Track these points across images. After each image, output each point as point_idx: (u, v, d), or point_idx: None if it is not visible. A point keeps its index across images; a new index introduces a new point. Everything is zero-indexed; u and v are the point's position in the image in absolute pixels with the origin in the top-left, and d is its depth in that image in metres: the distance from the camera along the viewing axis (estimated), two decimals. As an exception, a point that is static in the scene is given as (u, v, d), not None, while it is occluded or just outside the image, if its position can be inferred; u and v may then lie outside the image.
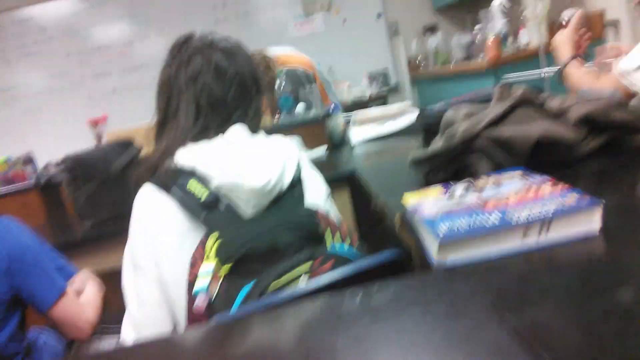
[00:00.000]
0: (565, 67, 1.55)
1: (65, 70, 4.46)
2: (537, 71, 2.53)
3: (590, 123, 1.02)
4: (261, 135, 1.00)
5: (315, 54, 3.61)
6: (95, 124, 2.31)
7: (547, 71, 2.50)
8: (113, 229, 1.61)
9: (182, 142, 0.95)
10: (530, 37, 3.09)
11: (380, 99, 4.29)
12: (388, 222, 1.01)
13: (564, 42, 1.61)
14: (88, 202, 1.66)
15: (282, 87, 2.30)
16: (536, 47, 2.81)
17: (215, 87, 0.98)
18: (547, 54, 2.65)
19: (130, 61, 4.45)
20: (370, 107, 3.58)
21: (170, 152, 0.95)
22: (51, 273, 1.29)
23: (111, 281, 1.33)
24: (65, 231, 1.81)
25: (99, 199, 1.67)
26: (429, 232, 0.70)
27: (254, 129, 1.01)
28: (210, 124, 0.97)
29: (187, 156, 0.92)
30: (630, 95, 1.31)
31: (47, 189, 2.03)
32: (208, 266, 0.81)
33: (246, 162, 0.89)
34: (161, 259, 0.88)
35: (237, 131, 0.96)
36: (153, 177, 0.93)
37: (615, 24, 2.84)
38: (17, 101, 4.45)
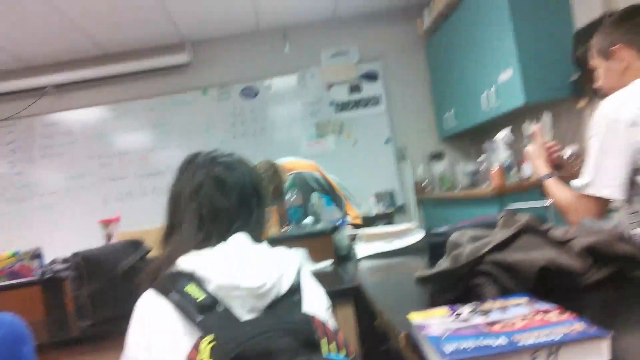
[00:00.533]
0: (545, 184, 1.65)
1: (85, 172, 4.65)
2: (540, 202, 2.59)
3: (594, 254, 1.04)
4: (263, 245, 1.04)
5: (326, 172, 3.75)
6: (107, 224, 2.35)
7: (550, 202, 2.57)
8: (112, 329, 1.58)
9: (184, 250, 0.99)
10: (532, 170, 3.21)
11: (387, 218, 4.36)
12: (392, 341, 0.99)
13: (535, 156, 1.71)
14: (90, 300, 1.64)
15: (291, 195, 2.37)
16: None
17: (217, 198, 1.04)
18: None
19: (147, 167, 4.64)
20: (377, 225, 3.64)
21: (173, 258, 0.98)
22: None
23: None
24: (62, 328, 1.77)
25: (102, 298, 1.65)
26: (435, 351, 0.70)
27: (257, 238, 1.04)
28: (212, 233, 1.02)
29: (188, 261, 0.95)
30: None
31: (50, 284, 2.01)
32: None
33: (244, 265, 0.93)
34: None
35: (239, 238, 1.00)
36: (154, 283, 0.96)
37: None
38: (34, 197, 4.61)
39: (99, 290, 1.66)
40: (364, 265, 2.02)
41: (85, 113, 4.71)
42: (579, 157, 1.78)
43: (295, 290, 0.95)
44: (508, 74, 3.29)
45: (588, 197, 1.44)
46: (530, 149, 1.75)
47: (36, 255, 2.13)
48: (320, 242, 2.19)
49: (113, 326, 1.61)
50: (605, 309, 0.93)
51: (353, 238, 2.38)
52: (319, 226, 2.31)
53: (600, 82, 1.60)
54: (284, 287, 0.93)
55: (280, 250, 1.03)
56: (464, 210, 3.63)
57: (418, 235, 2.21)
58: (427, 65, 4.83)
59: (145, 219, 3.81)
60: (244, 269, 0.91)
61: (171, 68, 4.69)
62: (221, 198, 1.04)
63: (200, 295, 0.89)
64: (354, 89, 4.84)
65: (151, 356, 0.88)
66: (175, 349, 0.86)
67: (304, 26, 4.80)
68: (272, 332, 0.84)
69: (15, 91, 4.58)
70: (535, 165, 1.71)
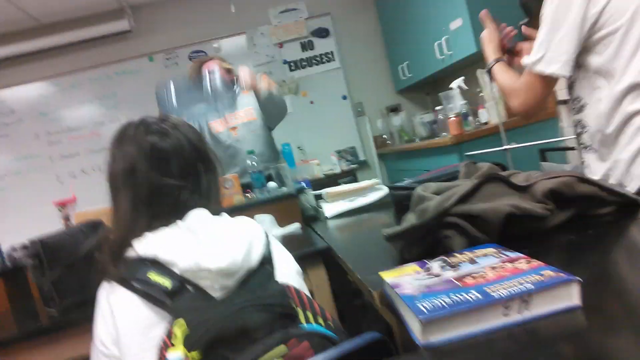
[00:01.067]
0: (492, 68, 1.62)
1: (34, 152, 4.43)
2: (499, 148, 2.65)
3: (557, 197, 1.06)
4: (224, 217, 0.99)
5: (285, 133, 3.71)
6: (62, 205, 2.26)
7: (508, 147, 2.62)
8: (79, 315, 1.54)
9: (133, 233, 0.94)
10: (489, 115, 3.27)
11: (350, 174, 4.38)
12: (366, 299, 1.00)
13: (486, 42, 1.68)
14: (54, 287, 1.59)
15: (251, 161, 2.35)
16: (496, 124, 2.96)
17: (153, 174, 0.96)
18: (507, 131, 2.80)
19: (99, 142, 4.47)
20: (340, 183, 3.65)
21: (124, 243, 0.94)
22: None
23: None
24: (30, 318, 1.72)
25: (66, 284, 1.60)
26: (411, 311, 0.70)
27: (215, 208, 0.99)
28: (155, 212, 0.96)
29: (147, 245, 0.90)
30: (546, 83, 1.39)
31: (12, 273, 1.94)
32: (176, 355, 0.78)
33: (209, 244, 0.88)
34: (126, 357, 0.85)
35: (198, 215, 0.95)
36: (112, 273, 0.92)
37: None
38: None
39: (61, 276, 1.60)
40: (332, 224, 2.03)
41: (27, 89, 4.45)
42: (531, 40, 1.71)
43: (265, 261, 0.93)
44: (458, 23, 3.28)
45: (536, 75, 1.40)
46: (483, 34, 1.71)
47: (-9, 244, 2.03)
48: (286, 206, 2.18)
49: (80, 312, 1.57)
50: (570, 252, 0.96)
51: (318, 197, 2.38)
52: (284, 189, 2.29)
53: None
54: (254, 260, 0.91)
55: (244, 220, 0.99)
56: (425, 160, 3.68)
57: (382, 191, 2.23)
58: (379, 19, 4.76)
59: (101, 196, 3.69)
60: (209, 248, 0.87)
61: (112, 36, 4.45)
62: (158, 173, 0.96)
63: (166, 282, 0.85)
64: (306, 46, 4.74)
65: (122, 350, 0.86)
66: (146, 339, 0.84)
67: (248, -18, 4.62)
68: (245, 310, 0.82)
69: (-55, 70, 4.27)
70: (485, 51, 1.67)
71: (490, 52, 1.65)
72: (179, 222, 0.94)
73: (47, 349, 1.51)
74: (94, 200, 2.49)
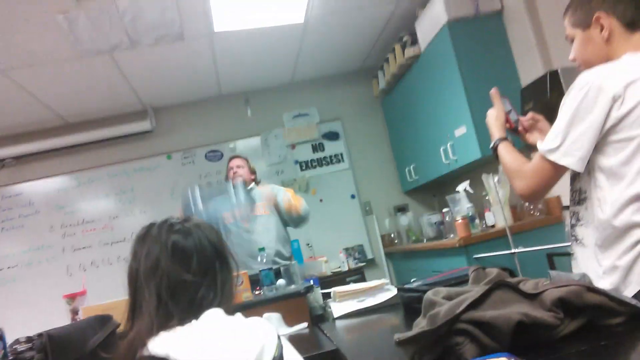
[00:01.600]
0: (497, 150, 1.57)
1: (47, 243, 4.50)
2: (506, 252, 2.67)
3: (566, 306, 1.08)
4: (238, 317, 1.01)
5: (294, 230, 3.76)
6: (72, 298, 2.26)
7: (516, 251, 2.65)
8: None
9: (149, 331, 0.96)
10: (495, 219, 3.32)
11: (358, 273, 4.36)
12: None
13: (492, 120, 1.64)
14: (58, 384, 1.56)
15: (261, 258, 2.38)
16: (502, 228, 3.00)
17: (174, 270, 1.00)
18: (513, 234, 2.83)
19: (112, 235, 4.54)
20: (349, 281, 3.63)
21: (139, 341, 0.95)
22: None
23: None
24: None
25: (70, 381, 1.57)
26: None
27: (228, 307, 1.02)
28: (173, 310, 0.98)
29: (159, 344, 0.92)
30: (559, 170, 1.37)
31: (12, 369, 1.90)
32: None
33: (221, 345, 0.90)
34: None
35: (213, 315, 0.97)
36: None
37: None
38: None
39: (66, 372, 1.58)
40: (340, 324, 2.01)
41: (47, 183, 4.60)
42: (537, 122, 1.66)
43: None
44: (462, 130, 3.44)
45: (548, 162, 1.37)
46: (490, 112, 1.68)
47: (-4, 337, 2.01)
48: (294, 304, 2.17)
49: (83, 411, 1.53)
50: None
51: (326, 296, 2.38)
52: (292, 287, 2.29)
53: (575, 54, 1.52)
54: None
55: (257, 322, 1.01)
56: (433, 261, 3.68)
57: (391, 292, 2.23)
58: (385, 123, 5.00)
59: (111, 289, 3.67)
60: (221, 349, 0.89)
61: (134, 135, 4.68)
62: (181, 270, 1.00)
63: None
64: (317, 147, 4.94)
65: None
66: None
67: (265, 90, 4.92)
68: None
69: (-29, 165, 4.45)
70: (491, 130, 1.64)
71: (495, 130, 1.63)
72: (193, 321, 0.96)
73: None
74: (103, 293, 2.51)
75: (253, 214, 3.20)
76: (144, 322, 0.98)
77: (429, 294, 1.24)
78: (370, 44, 4.46)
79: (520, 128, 1.67)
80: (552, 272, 1.25)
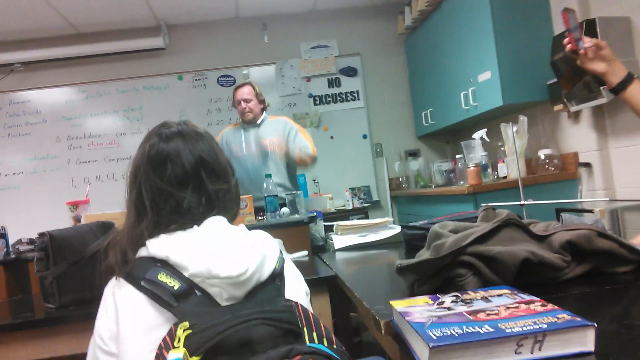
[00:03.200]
0: (626, 88, 1.46)
1: (53, 154, 4.51)
2: (515, 203, 2.62)
3: (574, 249, 1.05)
4: (241, 227, 0.98)
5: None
6: (75, 205, 2.27)
7: (525, 203, 2.60)
8: (78, 312, 1.52)
9: (136, 235, 0.94)
10: (508, 170, 3.26)
11: (362, 212, 4.37)
12: (365, 333, 0.98)
13: (613, 57, 1.47)
14: (56, 282, 1.58)
15: (267, 184, 2.36)
16: (515, 179, 2.95)
17: (153, 177, 0.96)
18: (524, 187, 2.78)
19: (118, 152, 4.53)
20: (352, 219, 3.64)
21: (137, 241, 0.93)
22: None
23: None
24: (26, 311, 1.70)
25: (68, 281, 1.59)
26: (420, 338, 0.68)
27: (228, 216, 0.99)
28: (161, 216, 0.95)
29: (160, 246, 0.90)
30: None
31: (14, 265, 1.94)
32: (176, 354, 0.77)
33: (222, 252, 0.88)
34: (125, 357, 0.84)
35: (215, 222, 0.95)
36: (122, 269, 0.91)
37: (588, 165, 3.02)
38: (-1, 177, 4.43)
39: (65, 272, 1.60)
40: (340, 256, 2.01)
41: (55, 93, 4.55)
42: (600, 50, 1.48)
43: (276, 275, 0.92)
44: (486, 76, 3.32)
45: None
46: (607, 48, 1.49)
47: (0, 234, 2.05)
48: (296, 232, 2.17)
49: (79, 309, 1.56)
50: (584, 304, 0.94)
51: (329, 229, 2.37)
52: (296, 216, 2.28)
53: None
54: (266, 273, 0.90)
55: (260, 233, 0.99)
56: (439, 207, 3.66)
57: (394, 230, 2.22)
58: (406, 64, 4.84)
59: (115, 204, 3.72)
60: (221, 255, 0.87)
61: (146, 51, 4.57)
62: (157, 177, 0.96)
63: (175, 284, 0.85)
64: (333, 82, 4.82)
65: (121, 348, 0.85)
66: (148, 339, 0.83)
67: (284, 17, 4.74)
68: (252, 322, 0.81)
69: (-19, 67, 4.40)
70: (614, 66, 1.48)
71: (618, 68, 1.47)
72: (195, 227, 0.93)
73: (42, 343, 1.49)
74: (107, 207, 2.51)
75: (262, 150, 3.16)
76: (130, 224, 0.97)
77: (436, 227, 1.21)
78: (399, -23, 4.24)
79: (581, 50, 1.50)
80: (565, 215, 1.21)
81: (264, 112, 3.28)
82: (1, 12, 3.89)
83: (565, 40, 1.48)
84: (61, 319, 1.54)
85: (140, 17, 4.36)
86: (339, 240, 2.20)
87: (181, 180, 0.97)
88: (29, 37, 4.41)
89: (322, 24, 4.80)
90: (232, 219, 1.03)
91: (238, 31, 4.73)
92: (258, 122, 3.22)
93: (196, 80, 4.66)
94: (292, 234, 2.16)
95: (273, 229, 2.14)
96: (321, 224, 2.40)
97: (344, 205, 4.46)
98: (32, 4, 3.81)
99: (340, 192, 4.52)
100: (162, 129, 1.03)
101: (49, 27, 4.27)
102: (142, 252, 0.92)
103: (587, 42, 1.49)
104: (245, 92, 3.16)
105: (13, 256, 2.07)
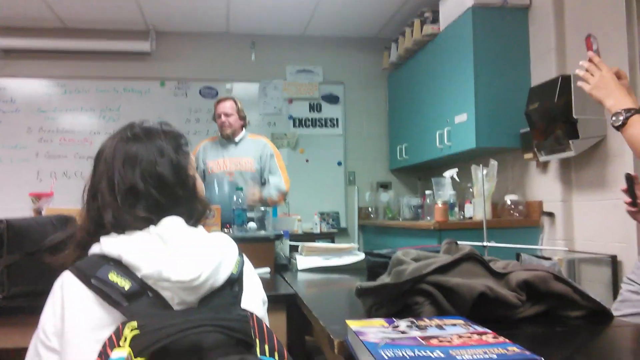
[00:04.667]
0: (627, 123, 1.37)
1: (21, 144, 4.39)
2: (478, 243, 2.67)
3: (530, 289, 1.07)
4: (200, 230, 0.96)
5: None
6: (38, 197, 2.21)
7: (487, 245, 2.65)
8: (26, 305, 1.47)
9: (98, 232, 0.91)
10: (475, 211, 3.33)
11: (329, 237, 4.37)
12: (321, 357, 0.98)
13: (613, 85, 1.40)
14: (7, 271, 1.52)
15: (237, 197, 2.35)
16: (480, 221, 3.01)
17: (127, 173, 0.94)
18: (488, 229, 2.84)
19: (89, 150, 4.44)
20: (318, 242, 3.63)
21: (91, 238, 0.91)
22: None
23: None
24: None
25: (21, 272, 1.54)
26: (372, 357, 0.69)
27: (192, 221, 0.96)
28: (125, 213, 0.92)
29: (113, 245, 0.88)
30: None
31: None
32: (120, 353, 0.75)
33: (177, 253, 0.86)
34: (68, 353, 0.81)
35: (171, 222, 0.92)
36: (74, 265, 0.88)
37: (551, 215, 3.11)
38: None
39: (18, 262, 1.54)
40: (302, 277, 2.01)
41: (32, 84, 4.47)
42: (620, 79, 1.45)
43: (234, 281, 0.90)
44: (463, 118, 3.41)
45: None
46: (605, 73, 1.44)
47: (-47, 219, 1.96)
48: (261, 249, 2.15)
49: (27, 302, 1.50)
50: (535, 342, 0.96)
51: (293, 250, 2.37)
52: (263, 232, 2.27)
53: None
54: (221, 279, 0.88)
55: (219, 236, 0.96)
56: (404, 240, 3.69)
57: (358, 257, 2.23)
58: (387, 97, 4.94)
59: (79, 201, 3.64)
60: (175, 258, 0.85)
61: (131, 54, 4.55)
62: (125, 175, 0.93)
63: (125, 284, 0.83)
64: (314, 107, 4.87)
65: (65, 345, 0.82)
66: (94, 340, 0.80)
67: (273, 38, 4.80)
68: (205, 327, 0.79)
69: (-41, 49, 4.29)
70: (613, 96, 1.40)
71: (624, 97, 1.39)
72: (151, 227, 0.91)
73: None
74: (70, 204, 2.46)
75: (238, 169, 3.16)
76: (97, 215, 0.94)
77: (398, 253, 1.23)
78: (389, 14, 4.36)
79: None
80: (525, 256, 1.24)
81: (244, 129, 3.28)
82: (-13, -4, 3.84)
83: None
84: (6, 310, 1.48)
85: (129, 19, 4.34)
86: (302, 261, 2.19)
87: (150, 181, 0.95)
88: (13, 24, 4.33)
89: (310, 49, 4.88)
90: (191, 222, 0.99)
91: (226, 46, 4.76)
92: (237, 139, 3.22)
93: (178, 88, 4.64)
94: (257, 249, 2.14)
95: (238, 242, 2.09)
96: (287, 243, 2.39)
97: (311, 228, 4.46)
98: (21, -9, 3.77)
99: (310, 215, 4.53)
100: (137, 128, 1.01)
101: (35, 17, 4.21)
102: (95, 249, 0.90)
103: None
104: (227, 106, 3.16)
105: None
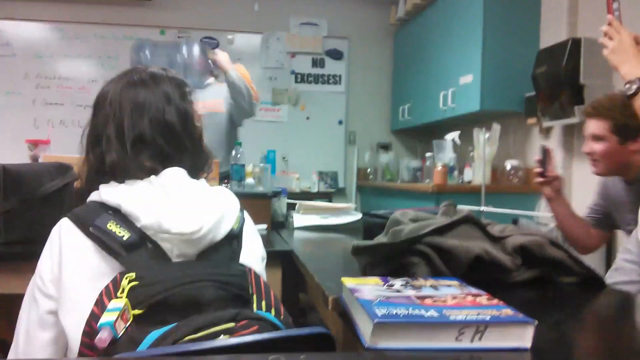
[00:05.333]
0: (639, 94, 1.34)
1: (18, 90, 4.33)
2: (476, 207, 2.68)
3: (526, 254, 1.07)
4: (202, 182, 0.94)
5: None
6: (35, 144, 2.19)
7: (484, 209, 2.66)
8: (23, 251, 1.47)
9: (100, 178, 0.90)
10: (474, 175, 3.32)
11: (326, 197, 4.38)
12: (311, 315, 0.98)
13: (630, 51, 1.36)
14: (3, 218, 1.52)
15: (236, 152, 2.32)
16: (478, 185, 3.01)
17: (128, 118, 0.91)
18: (486, 194, 2.84)
19: (87, 98, 4.36)
20: (315, 201, 3.64)
21: (91, 186, 0.90)
22: None
23: (11, 307, 1.19)
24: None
25: (18, 218, 1.53)
26: (365, 314, 0.69)
27: (194, 172, 0.95)
28: (129, 161, 0.90)
29: (113, 193, 0.86)
30: None
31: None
32: (117, 303, 0.75)
33: (177, 206, 0.84)
34: (65, 301, 0.81)
35: (173, 174, 0.90)
36: (72, 212, 0.87)
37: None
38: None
39: (16, 208, 1.54)
40: (298, 235, 2.02)
41: (30, 27, 4.35)
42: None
43: (234, 237, 0.90)
44: (468, 79, 3.35)
45: None
46: (625, 39, 1.38)
47: (-51, 162, 1.95)
48: (259, 205, 2.15)
49: (24, 248, 1.51)
50: (528, 306, 0.96)
51: (290, 207, 2.37)
52: (260, 189, 2.27)
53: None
54: (221, 233, 0.87)
55: (221, 190, 0.95)
56: (402, 202, 3.70)
57: (355, 216, 2.23)
58: (393, 55, 4.84)
59: (76, 149, 3.62)
60: (176, 210, 0.83)
61: (132, 0, 4.42)
62: (133, 121, 0.91)
63: (124, 234, 0.82)
64: (317, 63, 4.77)
65: (62, 292, 0.82)
66: (92, 289, 0.80)
67: (278, -12, 4.66)
68: (201, 282, 0.79)
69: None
70: (632, 63, 1.35)
71: (638, 65, 1.35)
72: (152, 177, 0.90)
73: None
74: (67, 151, 2.43)
75: (206, 110, 2.78)
76: (94, 168, 0.92)
77: (396, 214, 1.22)
78: (398, -32, 4.22)
79: None
80: (522, 221, 1.24)
81: (212, 78, 3.06)
82: None
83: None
84: (4, 256, 1.49)
85: (130, -36, 4.20)
86: (299, 219, 2.20)
87: (156, 127, 0.93)
88: (8, -36, 4.20)
89: (314, 0, 4.74)
90: (194, 174, 0.98)
91: (229, -6, 4.63)
92: (205, 83, 2.99)
93: (178, 37, 4.53)
94: (254, 206, 2.13)
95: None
96: (284, 200, 2.39)
97: (309, 187, 4.47)
98: None
99: (308, 173, 4.52)
100: (144, 73, 0.97)
101: (31, -43, 4.07)
102: (94, 197, 0.89)
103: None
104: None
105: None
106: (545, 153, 1.77)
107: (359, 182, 4.83)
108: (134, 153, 0.91)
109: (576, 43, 2.65)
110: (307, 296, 1.86)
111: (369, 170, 4.80)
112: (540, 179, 1.78)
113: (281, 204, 2.36)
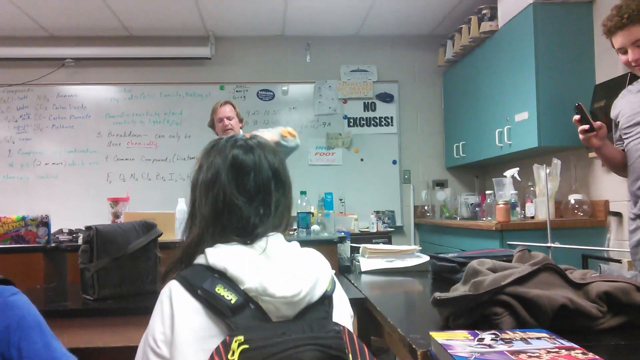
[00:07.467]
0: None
1: (92, 148, 4.67)
2: (542, 244, 2.63)
3: (611, 301, 1.07)
4: (295, 246, 1.02)
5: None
6: (116, 202, 2.36)
7: (552, 245, 2.61)
8: (114, 307, 1.58)
9: (203, 243, 0.98)
10: (537, 211, 3.26)
11: (385, 236, 4.39)
12: (389, 354, 1.00)
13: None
14: (97, 275, 1.65)
15: (301, 200, 2.40)
16: (542, 220, 2.95)
17: (231, 186, 1.00)
18: (551, 229, 2.78)
19: (155, 153, 4.66)
20: (375, 242, 3.66)
21: (194, 250, 0.98)
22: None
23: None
24: (63, 299, 1.77)
25: (108, 275, 1.66)
26: (465, 371, 0.72)
27: (279, 228, 1.03)
28: (227, 225, 0.99)
29: (219, 256, 0.93)
30: None
31: (53, 253, 2.02)
32: None
33: (280, 271, 0.91)
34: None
35: (275, 241, 0.98)
36: (180, 275, 0.94)
37: (618, 215, 3.00)
38: (37, 166, 4.62)
39: (107, 266, 1.67)
40: (366, 279, 2.04)
41: (101, 90, 4.72)
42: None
43: (327, 297, 0.95)
44: (524, 116, 3.34)
45: None
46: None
47: (43, 222, 2.13)
48: (325, 251, 2.18)
49: (115, 304, 1.61)
50: (619, 355, 0.96)
51: (354, 251, 2.41)
52: (326, 234, 2.33)
53: None
54: (317, 295, 0.93)
55: (313, 253, 1.02)
56: (462, 240, 3.66)
57: (421, 259, 2.24)
58: (442, 95, 4.89)
59: (148, 203, 3.85)
60: (277, 274, 0.90)
61: (192, 59, 4.71)
62: (234, 186, 1.00)
63: (232, 297, 0.88)
64: (369, 106, 4.88)
65: (175, 354, 0.87)
66: (202, 350, 0.86)
67: (327, 39, 4.85)
68: (302, 346, 0.83)
69: (35, 58, 4.57)
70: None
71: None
72: (257, 242, 0.97)
73: (77, 332, 1.54)
74: (141, 205, 2.60)
75: None
76: (199, 231, 1.00)
77: (474, 263, 1.24)
78: (445, 12, 4.32)
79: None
80: (603, 266, 1.23)
81: (241, 130, 3.30)
82: (59, 8, 4.07)
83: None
84: (98, 311, 1.60)
85: (190, 26, 4.51)
86: (366, 263, 2.23)
87: (256, 190, 1.02)
88: (83, 34, 4.59)
89: (363, 49, 4.89)
90: (284, 230, 1.06)
91: (282, 48, 4.85)
92: None
93: (237, 91, 4.78)
94: (321, 252, 2.19)
95: (303, 245, 2.18)
96: (348, 244, 2.44)
97: (367, 228, 4.49)
98: (91, 4, 3.98)
99: (365, 214, 4.56)
100: (242, 141, 1.07)
101: (103, 26, 4.44)
102: (200, 260, 0.95)
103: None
104: (227, 110, 3.22)
105: (53, 245, 2.15)
106: (581, 109, 1.88)
107: (416, 220, 4.82)
108: (235, 225, 1.00)
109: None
110: (379, 340, 1.87)
111: (426, 207, 4.79)
112: (588, 135, 1.90)
113: (345, 248, 2.41)
